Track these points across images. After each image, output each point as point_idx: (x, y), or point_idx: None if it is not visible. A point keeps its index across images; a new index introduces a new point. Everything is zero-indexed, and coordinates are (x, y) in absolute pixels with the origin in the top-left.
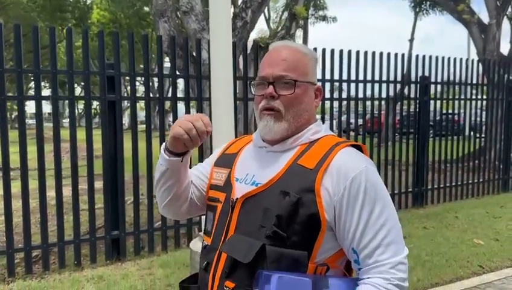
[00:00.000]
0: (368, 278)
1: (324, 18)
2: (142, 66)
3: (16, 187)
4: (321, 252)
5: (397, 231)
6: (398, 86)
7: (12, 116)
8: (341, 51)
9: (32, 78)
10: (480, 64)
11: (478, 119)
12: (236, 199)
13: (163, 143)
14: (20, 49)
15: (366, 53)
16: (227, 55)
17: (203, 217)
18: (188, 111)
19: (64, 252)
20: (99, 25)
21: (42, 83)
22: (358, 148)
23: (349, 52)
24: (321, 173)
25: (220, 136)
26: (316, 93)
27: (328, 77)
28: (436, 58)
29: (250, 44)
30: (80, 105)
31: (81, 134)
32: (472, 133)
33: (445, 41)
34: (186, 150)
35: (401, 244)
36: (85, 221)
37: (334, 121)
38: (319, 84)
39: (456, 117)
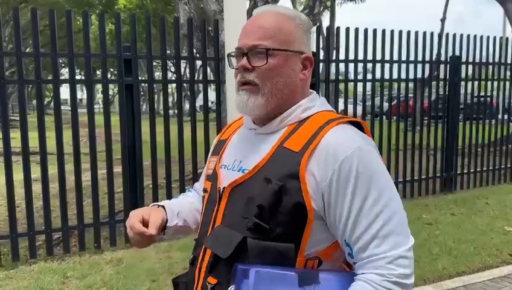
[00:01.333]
0: (362, 273)
1: None
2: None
3: (36, 172)
4: (311, 245)
5: (398, 220)
6: (428, 67)
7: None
8: (365, 30)
9: (63, 63)
10: None
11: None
12: (224, 187)
13: None
14: (37, 33)
15: (392, 32)
16: None
17: None
18: (205, 93)
19: (84, 235)
20: (125, 10)
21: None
22: (357, 125)
23: (375, 31)
24: (306, 155)
25: (236, 118)
26: (305, 63)
27: (351, 57)
28: (468, 36)
29: None
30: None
31: (101, 119)
32: (506, 116)
33: (479, 21)
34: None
35: (403, 235)
36: (104, 205)
37: (360, 104)
38: (308, 54)
39: (489, 100)
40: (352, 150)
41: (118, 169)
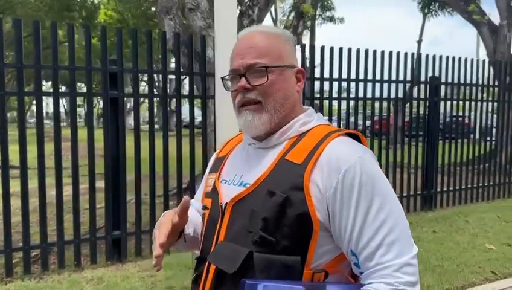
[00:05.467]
0: (370, 283)
1: (332, 19)
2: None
3: (15, 186)
4: (317, 257)
5: (402, 228)
6: (408, 86)
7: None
8: (349, 50)
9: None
10: (491, 66)
11: (488, 122)
12: (226, 203)
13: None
14: (20, 44)
15: (375, 52)
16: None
17: None
18: (192, 109)
19: (64, 252)
20: (106, 25)
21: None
22: (355, 137)
23: (358, 50)
24: (310, 167)
25: (225, 134)
26: (298, 76)
27: (336, 76)
28: (447, 58)
29: None
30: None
31: (84, 133)
32: (481, 136)
33: (453, 44)
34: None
35: (407, 243)
36: (86, 221)
37: (342, 122)
38: (299, 67)
39: (466, 120)
40: (354, 159)
41: (99, 184)
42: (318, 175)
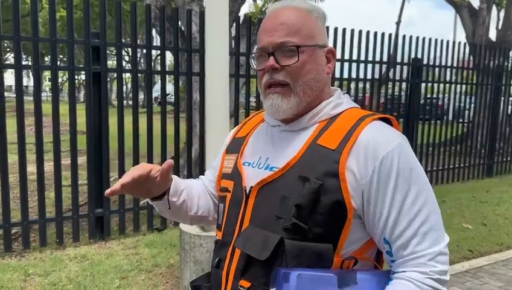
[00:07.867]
0: (403, 271)
1: None
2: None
3: None
4: (348, 244)
5: (436, 217)
6: (391, 68)
7: None
8: (335, 29)
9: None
10: (471, 48)
11: (462, 104)
12: (251, 187)
13: None
14: None
15: (360, 32)
16: (224, 29)
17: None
18: (177, 85)
19: (45, 230)
20: None
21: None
22: (388, 121)
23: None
24: (345, 153)
25: (214, 113)
26: (328, 56)
27: None
28: (429, 40)
29: (241, 19)
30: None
31: (62, 108)
32: (455, 118)
33: (429, 27)
34: (162, 191)
35: (440, 231)
36: (67, 198)
37: None
38: (330, 46)
39: (440, 102)
40: (392, 147)
41: (80, 160)
42: (354, 162)
